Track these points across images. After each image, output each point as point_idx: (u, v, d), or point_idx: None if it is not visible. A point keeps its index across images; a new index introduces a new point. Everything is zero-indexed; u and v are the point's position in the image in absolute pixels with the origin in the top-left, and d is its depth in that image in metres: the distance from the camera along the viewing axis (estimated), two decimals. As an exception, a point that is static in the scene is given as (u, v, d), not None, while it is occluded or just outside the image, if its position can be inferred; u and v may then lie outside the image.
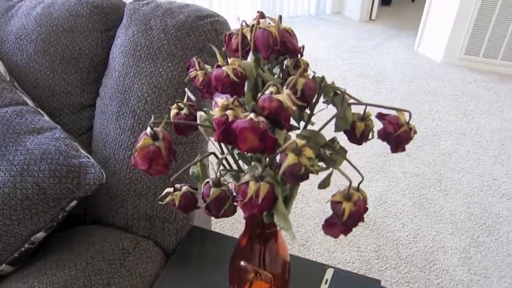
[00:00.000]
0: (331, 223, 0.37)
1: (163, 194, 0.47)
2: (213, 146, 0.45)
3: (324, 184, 0.41)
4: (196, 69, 0.48)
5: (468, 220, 1.47)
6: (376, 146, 1.86)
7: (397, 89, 2.35)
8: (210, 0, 3.04)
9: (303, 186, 1.60)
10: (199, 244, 0.74)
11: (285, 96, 0.36)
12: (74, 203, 0.63)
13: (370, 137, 0.48)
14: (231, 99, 0.38)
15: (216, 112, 0.37)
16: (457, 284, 1.23)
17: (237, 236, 1.26)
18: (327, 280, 0.65)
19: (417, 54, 2.82)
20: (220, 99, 0.38)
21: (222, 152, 0.48)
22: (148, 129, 0.36)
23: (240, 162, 0.49)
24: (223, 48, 0.47)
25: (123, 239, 0.70)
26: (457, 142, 1.92)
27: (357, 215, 0.36)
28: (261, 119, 0.35)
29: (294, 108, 0.37)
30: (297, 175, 0.34)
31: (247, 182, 0.36)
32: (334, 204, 0.37)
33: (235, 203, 0.43)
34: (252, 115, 0.34)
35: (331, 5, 3.56)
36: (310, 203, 1.52)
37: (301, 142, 0.34)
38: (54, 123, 0.68)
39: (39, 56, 0.77)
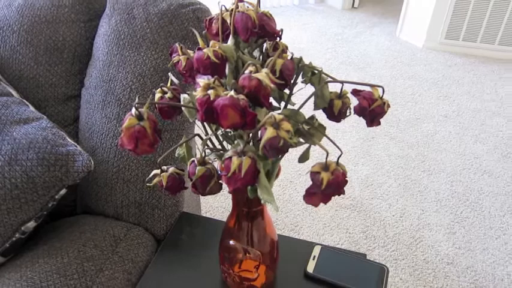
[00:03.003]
0: (311, 193, 0.39)
1: (150, 175, 0.48)
2: (198, 129, 0.47)
3: (303, 158, 0.43)
4: (179, 55, 0.50)
5: (451, 197, 1.52)
6: (361, 132, 1.89)
7: (381, 75, 2.39)
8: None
9: (291, 173, 1.63)
10: (189, 229, 0.75)
11: (263, 74, 0.38)
12: (63, 191, 0.64)
13: (347, 113, 0.50)
14: (211, 79, 0.39)
15: (198, 92, 0.39)
16: (443, 258, 1.27)
17: (227, 222, 1.28)
18: (314, 256, 0.68)
19: (399, 40, 2.85)
20: (202, 80, 0.40)
21: (207, 133, 0.50)
22: (133, 110, 0.37)
23: (224, 143, 0.51)
24: (204, 32, 0.48)
25: (114, 227, 0.71)
26: (439, 124, 1.96)
27: (335, 184, 0.38)
28: (241, 96, 0.36)
29: (273, 86, 0.39)
30: (276, 148, 0.36)
31: (230, 157, 0.38)
32: (313, 174, 0.39)
33: (220, 181, 0.45)
34: (232, 92, 0.36)
35: (314, -6, 3.58)
36: (298, 189, 1.55)
37: (279, 116, 0.36)
38: (40, 114, 0.68)
39: (23, 47, 0.77)
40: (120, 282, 0.62)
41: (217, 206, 1.48)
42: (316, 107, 0.49)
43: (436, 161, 1.72)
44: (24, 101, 0.72)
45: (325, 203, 0.39)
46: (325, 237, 1.35)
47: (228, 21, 0.47)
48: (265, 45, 0.50)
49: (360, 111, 0.45)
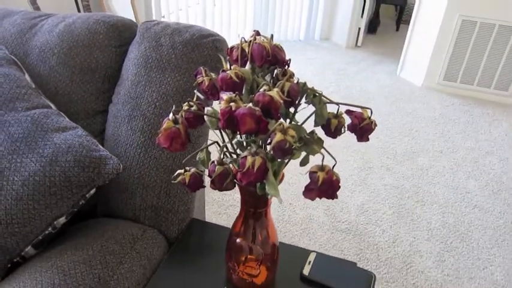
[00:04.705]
0: (309, 189, 0.48)
1: (175, 174, 0.58)
2: (215, 137, 0.57)
3: (304, 162, 0.53)
4: (202, 76, 0.60)
5: (442, 228, 1.59)
6: (359, 161, 1.99)
7: (380, 111, 2.51)
8: (212, 23, 3.23)
9: (290, 196, 1.71)
10: (198, 234, 0.84)
11: (274, 92, 0.48)
12: (93, 191, 0.73)
13: (342, 131, 0.60)
14: (234, 94, 0.49)
15: (222, 105, 0.49)
16: (432, 284, 1.33)
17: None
18: (310, 262, 0.76)
19: (399, 79, 3.00)
20: (225, 95, 0.50)
21: (224, 141, 0.60)
22: (171, 115, 0.47)
23: (238, 151, 0.61)
24: (227, 57, 0.59)
25: (132, 227, 0.80)
26: (434, 159, 2.06)
27: (329, 182, 0.48)
28: (257, 108, 0.46)
29: (282, 102, 0.49)
30: (283, 149, 0.45)
31: (245, 157, 0.47)
32: (311, 173, 0.48)
33: (234, 180, 0.54)
34: (250, 105, 0.46)
35: (319, 31, 3.77)
36: (297, 211, 1.63)
37: (286, 124, 0.46)
38: (75, 124, 0.78)
39: (60, 68, 0.88)
40: (137, 275, 0.70)
41: (221, 212, 1.55)
42: (316, 124, 0.59)
43: (429, 193, 1.80)
44: (61, 113, 0.82)
45: (320, 198, 0.48)
46: (321, 259, 1.41)
47: (247, 50, 0.57)
48: (275, 71, 0.60)
49: (352, 128, 0.55)
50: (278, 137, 0.45)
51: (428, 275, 1.37)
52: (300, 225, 1.56)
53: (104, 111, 0.91)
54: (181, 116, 0.48)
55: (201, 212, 1.03)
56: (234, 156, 0.59)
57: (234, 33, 3.48)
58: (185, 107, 0.59)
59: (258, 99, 0.48)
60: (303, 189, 0.49)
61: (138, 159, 0.81)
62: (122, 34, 0.90)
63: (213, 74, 0.60)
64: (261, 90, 0.49)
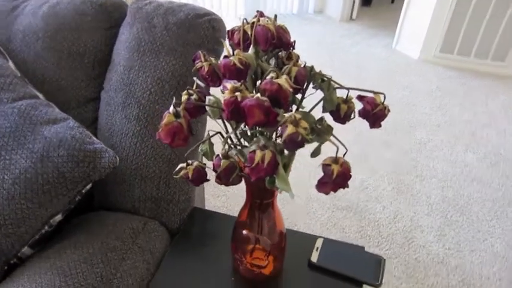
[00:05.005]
0: (323, 182, 0.45)
1: (177, 169, 0.54)
2: (217, 127, 0.53)
3: (315, 153, 0.50)
4: (201, 61, 0.56)
5: (442, 202, 1.59)
6: (357, 137, 1.96)
7: (376, 85, 2.47)
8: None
9: (291, 175, 1.69)
10: (200, 223, 0.81)
11: (283, 80, 0.45)
12: (89, 186, 0.69)
13: (352, 117, 0.56)
14: (239, 83, 0.46)
15: (226, 94, 0.45)
16: (433, 258, 1.34)
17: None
18: (317, 248, 0.74)
19: (395, 52, 2.95)
20: (229, 84, 0.46)
21: (227, 131, 0.56)
22: (171, 109, 0.43)
23: (241, 140, 0.57)
24: (229, 42, 0.54)
25: (132, 220, 0.76)
26: (432, 133, 2.04)
27: (343, 175, 0.45)
28: (265, 98, 0.43)
29: (291, 90, 0.45)
30: (296, 142, 0.42)
31: (254, 151, 0.44)
32: (325, 166, 0.45)
33: (241, 173, 0.51)
34: (258, 95, 0.42)
35: (313, 4, 3.67)
36: (297, 191, 1.61)
37: (298, 116, 0.42)
38: (66, 115, 0.74)
39: (46, 53, 0.82)
40: (140, 271, 0.68)
41: (220, 205, 1.54)
42: (324, 110, 0.55)
43: (428, 167, 1.79)
44: (50, 103, 0.77)
45: (335, 191, 0.45)
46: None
47: (249, 33, 0.53)
48: (280, 54, 0.56)
49: (364, 114, 0.52)
50: (290, 129, 0.41)
51: (429, 249, 1.37)
52: (300, 205, 1.54)
53: (96, 98, 0.86)
54: (183, 109, 0.44)
55: (201, 198, 1.00)
56: (239, 146, 0.56)
57: (225, 5, 3.36)
58: (184, 96, 0.55)
59: (265, 87, 0.44)
60: (316, 182, 0.46)
61: (134, 149, 0.77)
62: (111, 15, 0.84)
63: (212, 59, 0.56)
64: (268, 77, 0.45)
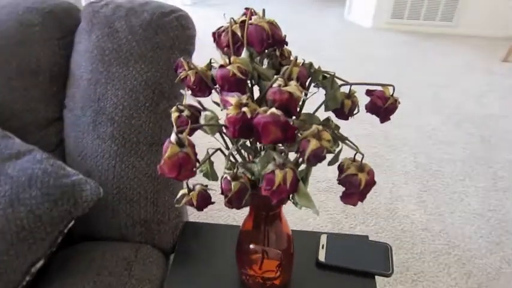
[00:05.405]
0: (349, 193, 0.42)
1: (178, 196, 0.48)
2: (208, 138, 0.48)
3: (334, 161, 0.46)
4: (185, 70, 0.49)
5: (416, 168, 1.63)
6: (324, 115, 1.96)
7: (334, 57, 2.47)
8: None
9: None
10: (195, 238, 0.75)
11: (293, 87, 0.40)
12: (71, 223, 0.61)
13: (355, 111, 0.53)
14: (244, 96, 0.40)
15: (230, 111, 0.39)
16: (417, 225, 1.37)
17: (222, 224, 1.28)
18: (323, 245, 0.71)
19: (348, 23, 2.95)
20: (232, 98, 0.40)
21: (227, 146, 0.50)
22: (173, 137, 0.37)
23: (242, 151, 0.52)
24: (216, 46, 0.48)
25: (122, 249, 0.69)
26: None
27: (370, 183, 0.41)
28: (280, 113, 0.37)
29: (302, 96, 0.41)
30: (320, 157, 0.38)
31: (272, 171, 0.39)
32: (351, 176, 0.41)
33: (253, 191, 0.46)
34: (273, 109, 0.37)
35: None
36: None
37: (319, 127, 0.38)
38: (29, 145, 0.64)
39: (-9, 74, 0.72)
40: (143, 305, 0.62)
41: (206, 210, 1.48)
42: (327, 109, 0.51)
43: (398, 136, 1.82)
44: (7, 132, 0.67)
45: (362, 201, 0.42)
46: (309, 221, 1.40)
47: (239, 34, 0.47)
48: (274, 53, 0.51)
49: (374, 109, 0.48)
50: (313, 144, 0.37)
51: (413, 218, 1.40)
52: (282, 193, 1.52)
53: (58, 118, 0.76)
54: (187, 135, 0.38)
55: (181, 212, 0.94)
56: (240, 160, 0.50)
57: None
58: (174, 113, 0.49)
59: (275, 97, 0.39)
60: (342, 194, 0.42)
61: (113, 172, 0.69)
62: (62, 22, 0.74)
63: (198, 66, 0.49)
64: (275, 85, 0.40)
